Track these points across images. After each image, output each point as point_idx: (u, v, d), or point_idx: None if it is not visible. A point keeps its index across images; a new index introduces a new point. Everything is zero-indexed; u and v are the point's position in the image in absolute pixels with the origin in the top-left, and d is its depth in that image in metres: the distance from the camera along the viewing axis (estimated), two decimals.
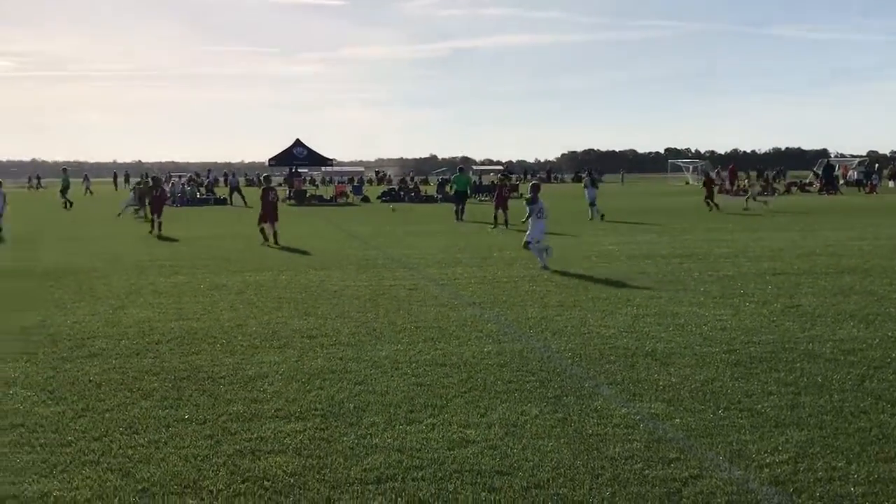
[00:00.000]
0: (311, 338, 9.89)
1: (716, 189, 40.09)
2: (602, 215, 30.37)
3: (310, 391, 7.61)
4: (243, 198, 46.63)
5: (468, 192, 33.57)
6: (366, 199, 51.45)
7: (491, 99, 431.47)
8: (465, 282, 14.42)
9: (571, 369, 8.31)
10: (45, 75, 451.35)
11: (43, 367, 8.56)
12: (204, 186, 57.15)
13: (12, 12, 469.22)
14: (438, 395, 7.43)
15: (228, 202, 51.32)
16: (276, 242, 21.61)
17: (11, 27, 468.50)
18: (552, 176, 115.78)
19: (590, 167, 59.35)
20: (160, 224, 25.65)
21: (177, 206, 46.02)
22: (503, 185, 29.87)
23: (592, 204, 30.96)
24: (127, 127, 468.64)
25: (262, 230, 22.43)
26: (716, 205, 35.08)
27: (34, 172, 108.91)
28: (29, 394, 7.60)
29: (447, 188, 39.12)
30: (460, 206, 31.04)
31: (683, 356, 8.79)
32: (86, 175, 75.39)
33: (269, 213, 22.42)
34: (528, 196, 17.24)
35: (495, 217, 27.74)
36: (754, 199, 36.73)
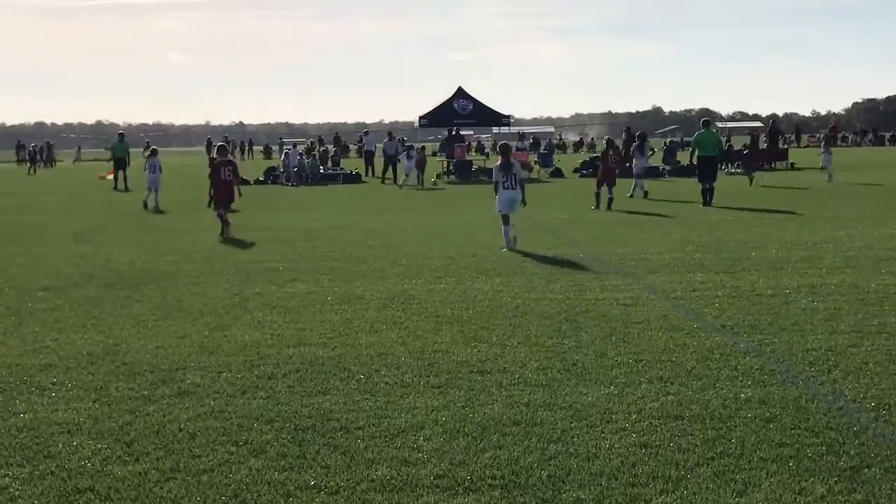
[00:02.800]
0: (483, 373, 9.99)
1: None
2: (646, 192, 33.63)
3: (483, 451, 7.68)
4: (395, 172, 47.61)
5: (716, 159, 32.64)
6: (557, 173, 51.56)
7: (733, 23, 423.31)
8: (708, 295, 14.19)
9: (876, 427, 8.02)
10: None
11: (117, 410, 9.03)
12: (330, 157, 59.02)
13: None
14: (672, 463, 7.34)
15: (365, 176, 52.63)
16: (227, 234, 23.11)
17: None
18: (838, 136, 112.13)
19: (630, 126, 58.33)
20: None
21: (292, 185, 47.68)
22: (608, 153, 31.90)
23: (640, 176, 35.39)
24: (221, 76, 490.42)
25: (220, 217, 23.62)
26: None
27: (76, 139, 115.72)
28: (99, 446, 8.03)
29: (683, 155, 38.48)
30: (708, 183, 30.31)
31: None
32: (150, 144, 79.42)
33: (222, 192, 23.92)
34: (498, 161, 20.73)
35: (597, 195, 30.11)
36: None
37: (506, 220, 20.14)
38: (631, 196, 34.15)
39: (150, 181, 33.89)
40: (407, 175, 45.57)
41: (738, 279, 15.49)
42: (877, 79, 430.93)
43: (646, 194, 34.20)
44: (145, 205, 33.43)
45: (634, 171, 36.26)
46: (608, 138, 37.51)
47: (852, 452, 7.46)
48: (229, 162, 24.90)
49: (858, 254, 17.87)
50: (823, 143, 48.37)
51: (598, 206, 29.72)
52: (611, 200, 29.77)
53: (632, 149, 39.75)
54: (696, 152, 31.59)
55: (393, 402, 9.06)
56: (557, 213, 28.33)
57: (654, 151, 42.37)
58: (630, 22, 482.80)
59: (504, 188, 20.27)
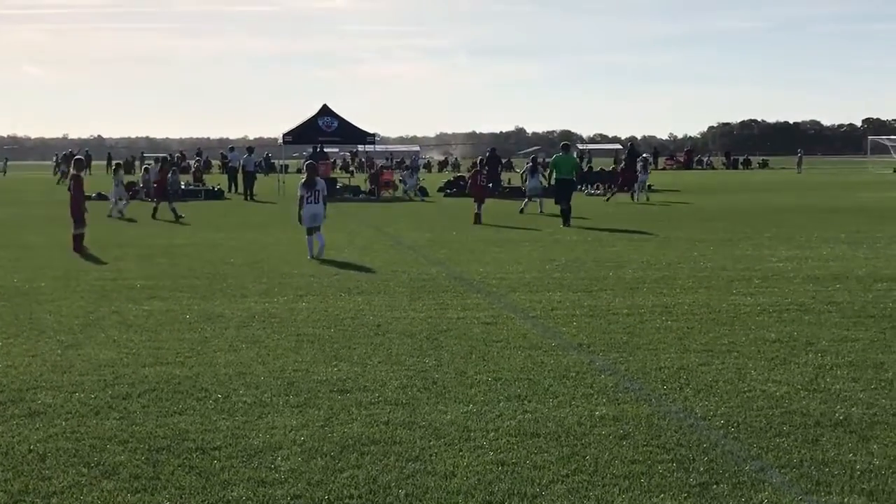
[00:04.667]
0: (343, 392, 9.97)
1: None
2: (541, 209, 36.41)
3: (342, 470, 7.66)
4: (251, 188, 47.49)
5: (574, 180, 33.51)
6: (422, 192, 51.74)
7: (599, 49, 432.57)
8: (566, 314, 14.39)
9: (725, 444, 8.21)
10: None
11: None
12: (192, 173, 58.28)
13: None
14: (528, 480, 7.40)
15: (227, 192, 52.20)
16: (77, 249, 23.02)
17: None
18: (694, 159, 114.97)
19: (495, 147, 60.40)
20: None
21: (151, 201, 46.88)
22: (477, 171, 34.57)
23: (532, 196, 38.14)
24: (80, 89, 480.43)
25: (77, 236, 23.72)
26: None
27: None
28: None
29: (543, 176, 39.32)
30: (565, 204, 31.03)
31: (893, 427, 8.64)
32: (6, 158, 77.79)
33: (70, 208, 23.94)
34: (303, 178, 22.73)
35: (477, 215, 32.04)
36: None
37: (310, 231, 22.17)
38: (521, 211, 36.49)
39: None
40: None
41: (596, 298, 15.74)
42: (731, 103, 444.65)
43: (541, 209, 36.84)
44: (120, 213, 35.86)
45: (528, 192, 39.00)
46: (480, 158, 38.95)
47: (702, 469, 7.63)
48: (74, 176, 24.57)
49: (711, 274, 18.34)
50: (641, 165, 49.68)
51: (476, 223, 31.45)
52: (478, 216, 31.71)
53: (523, 171, 42.22)
54: (555, 174, 32.55)
55: (251, 422, 8.98)
56: (421, 233, 28.43)
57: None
58: (496, 44, 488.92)
59: (308, 203, 22.28)
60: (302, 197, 22.46)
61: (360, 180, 52.66)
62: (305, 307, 15.14)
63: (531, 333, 12.96)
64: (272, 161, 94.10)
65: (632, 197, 44.84)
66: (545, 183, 38.22)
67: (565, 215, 30.88)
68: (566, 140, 38.48)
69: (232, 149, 64.71)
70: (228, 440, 8.45)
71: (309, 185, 22.48)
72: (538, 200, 37.52)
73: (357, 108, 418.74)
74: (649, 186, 54.89)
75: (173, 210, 34.56)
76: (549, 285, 17.18)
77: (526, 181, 40.26)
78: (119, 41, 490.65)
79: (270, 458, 7.98)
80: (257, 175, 47.10)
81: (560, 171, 32.14)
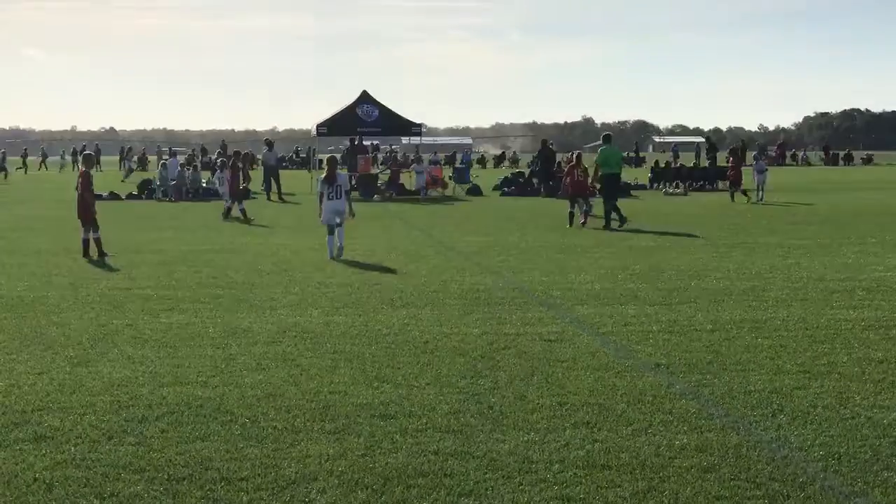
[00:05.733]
0: (386, 418, 10.01)
1: None
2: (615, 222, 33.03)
3: None
4: (279, 187, 47.68)
5: (620, 176, 34.20)
6: (475, 191, 51.71)
7: (676, 27, 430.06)
8: (642, 330, 14.37)
9: (825, 479, 8.17)
10: None
11: None
12: (213, 170, 58.42)
13: None
14: None
15: (266, 196, 52.43)
16: (100, 255, 23.19)
17: None
18: (786, 152, 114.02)
19: (546, 139, 58.61)
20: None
21: (170, 200, 47.27)
22: (573, 165, 33.51)
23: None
24: (89, 75, 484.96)
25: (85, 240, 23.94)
26: None
27: None
28: None
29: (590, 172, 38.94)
30: (611, 203, 31.54)
31: None
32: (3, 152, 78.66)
33: (77, 208, 24.17)
34: (323, 173, 24.17)
35: (571, 214, 32.07)
36: None
37: (330, 230, 23.33)
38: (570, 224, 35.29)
39: None
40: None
41: (675, 312, 15.68)
42: (831, 90, 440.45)
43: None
44: None
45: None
46: (578, 152, 37.83)
47: None
48: (82, 173, 24.69)
49: (807, 285, 18.22)
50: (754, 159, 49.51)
51: (570, 224, 31.45)
52: (586, 215, 32.07)
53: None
54: (603, 168, 32.59)
55: (282, 450, 9.02)
56: (474, 237, 28.40)
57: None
58: (560, 24, 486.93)
59: (329, 199, 23.57)
60: (321, 193, 23.89)
61: (405, 177, 52.64)
62: (343, 321, 15.19)
63: (601, 352, 12.94)
64: (302, 156, 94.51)
65: (743, 194, 43.17)
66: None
67: (608, 216, 31.09)
68: (607, 132, 37.68)
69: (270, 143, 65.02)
70: (257, 470, 8.50)
71: (329, 180, 23.72)
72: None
73: (402, 94, 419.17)
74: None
75: (242, 211, 35.64)
76: (621, 297, 17.14)
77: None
78: (132, 21, 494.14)
79: (304, 490, 8.01)
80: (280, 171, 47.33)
81: (609, 166, 32.48)
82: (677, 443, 9.13)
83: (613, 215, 30.98)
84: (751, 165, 51.32)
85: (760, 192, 43.60)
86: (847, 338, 13.63)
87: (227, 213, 35.82)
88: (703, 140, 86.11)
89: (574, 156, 35.23)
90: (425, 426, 9.72)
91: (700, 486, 8.03)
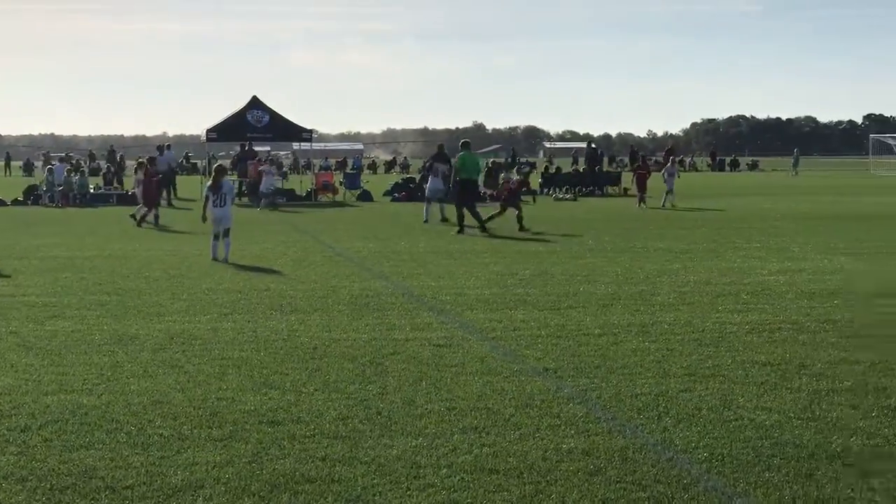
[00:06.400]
0: (274, 424, 9.95)
1: None
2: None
3: None
4: (173, 191, 47.33)
5: (477, 182, 34.88)
6: (366, 196, 51.67)
7: (568, 34, 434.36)
8: (530, 334, 14.45)
9: (708, 480, 8.27)
10: None
11: None
12: (102, 175, 57.85)
13: None
14: None
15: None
16: None
17: None
18: (673, 158, 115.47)
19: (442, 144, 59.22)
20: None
21: (57, 205, 46.60)
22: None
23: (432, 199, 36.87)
24: None
25: None
26: None
27: None
28: None
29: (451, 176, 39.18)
30: (464, 207, 31.82)
31: None
32: None
33: None
34: (209, 181, 25.04)
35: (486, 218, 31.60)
36: None
37: (216, 236, 23.89)
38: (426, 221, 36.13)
39: None
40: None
41: (564, 317, 15.80)
42: (717, 97, 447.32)
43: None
44: None
45: (428, 194, 37.95)
46: (506, 158, 38.21)
47: None
48: None
49: (694, 289, 18.47)
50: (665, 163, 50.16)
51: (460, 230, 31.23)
52: (519, 219, 32.02)
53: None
54: (460, 173, 33.04)
55: (168, 458, 8.93)
56: (364, 242, 28.37)
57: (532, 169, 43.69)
58: (454, 30, 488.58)
59: (213, 206, 24.23)
60: (207, 198, 24.66)
61: (295, 182, 52.42)
62: (231, 327, 15.10)
63: (490, 357, 12.99)
64: (193, 161, 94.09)
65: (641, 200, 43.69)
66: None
67: (461, 220, 31.39)
68: (465, 138, 38.02)
69: (168, 147, 64.26)
70: (142, 478, 8.40)
71: (215, 187, 24.38)
72: (440, 206, 36.97)
73: (293, 100, 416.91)
74: (625, 190, 55.46)
75: (156, 217, 35.39)
76: (510, 302, 17.23)
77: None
78: (15, 21, 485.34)
79: (190, 498, 7.94)
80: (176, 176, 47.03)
81: (467, 172, 32.92)
82: (564, 446, 9.18)
83: (474, 222, 31.22)
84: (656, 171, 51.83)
85: (671, 196, 43.95)
86: (732, 341, 13.84)
87: (141, 219, 34.98)
88: (586, 145, 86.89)
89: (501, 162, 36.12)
90: (313, 432, 9.68)
91: (587, 489, 8.09)
